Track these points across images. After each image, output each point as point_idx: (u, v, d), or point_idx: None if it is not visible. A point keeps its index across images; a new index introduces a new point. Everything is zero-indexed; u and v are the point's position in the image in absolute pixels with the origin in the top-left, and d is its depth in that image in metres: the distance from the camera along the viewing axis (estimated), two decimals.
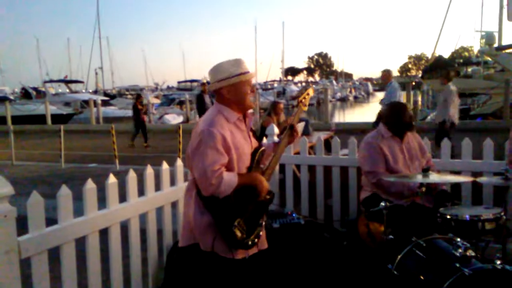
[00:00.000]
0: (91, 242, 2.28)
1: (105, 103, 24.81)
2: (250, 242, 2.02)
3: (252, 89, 2.11)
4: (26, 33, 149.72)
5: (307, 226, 3.25)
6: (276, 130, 4.28)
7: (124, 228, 2.56)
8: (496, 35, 20.10)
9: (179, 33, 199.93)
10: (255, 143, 2.23)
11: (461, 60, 35.30)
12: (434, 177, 2.51)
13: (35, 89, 30.33)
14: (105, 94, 35.25)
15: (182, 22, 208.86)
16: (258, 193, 2.06)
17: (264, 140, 4.29)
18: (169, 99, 28.81)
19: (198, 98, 11.12)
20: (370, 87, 69.42)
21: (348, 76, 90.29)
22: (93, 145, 13.42)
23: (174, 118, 20.98)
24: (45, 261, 2.01)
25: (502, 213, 2.55)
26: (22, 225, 1.94)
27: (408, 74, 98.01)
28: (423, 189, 2.58)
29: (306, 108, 2.45)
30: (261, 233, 2.11)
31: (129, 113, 24.13)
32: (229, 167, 2.01)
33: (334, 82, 63.99)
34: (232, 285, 2.04)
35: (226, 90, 2.07)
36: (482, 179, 3.00)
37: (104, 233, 2.40)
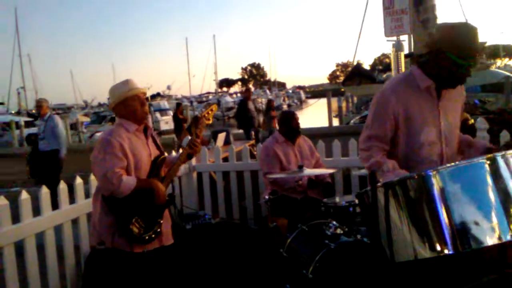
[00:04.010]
0: (6, 253, 2.48)
1: (29, 124, 23.55)
2: (147, 237, 2.36)
3: (143, 103, 2.46)
4: None
5: (218, 226, 3.64)
6: None
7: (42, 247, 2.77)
8: (406, 43, 22.12)
9: (108, 48, 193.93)
10: (155, 152, 2.57)
11: (381, 67, 37.97)
12: (307, 171, 3.03)
13: None
14: (29, 115, 33.31)
15: (111, 37, 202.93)
16: (155, 196, 2.40)
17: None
18: (100, 116, 27.92)
19: (240, 104, 10.42)
20: (303, 95, 72.15)
21: (282, 85, 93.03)
22: (17, 169, 12.82)
23: None
24: None
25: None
26: None
27: (337, 81, 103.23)
28: (300, 182, 3.10)
29: (209, 122, 2.84)
30: (159, 230, 2.44)
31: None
32: (126, 171, 2.34)
33: (267, 91, 65.72)
34: (133, 277, 2.36)
35: (119, 107, 2.44)
36: (356, 172, 3.60)
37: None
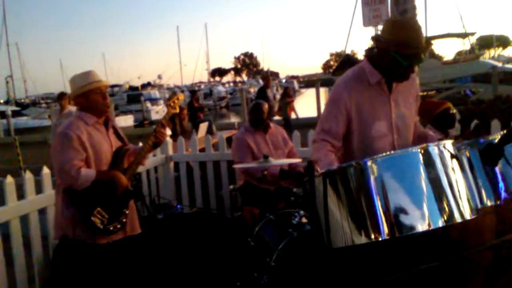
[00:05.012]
0: None
1: (16, 114, 23.33)
2: (111, 228, 2.36)
3: (104, 96, 2.45)
4: None
5: (190, 216, 3.66)
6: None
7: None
8: None
9: (99, 37, 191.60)
10: (117, 143, 2.57)
11: None
12: (273, 161, 3.06)
13: None
14: (17, 104, 32.98)
15: (101, 26, 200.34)
16: (116, 187, 2.40)
17: None
18: None
19: (259, 92, 9.98)
20: (296, 85, 71.91)
21: (275, 75, 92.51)
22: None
23: None
24: None
25: None
26: None
27: (331, 70, 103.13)
28: (265, 172, 3.12)
29: (175, 111, 2.82)
30: (124, 220, 2.45)
31: (45, 122, 22.88)
32: (86, 163, 2.34)
33: (260, 81, 65.39)
34: (99, 268, 2.36)
35: (78, 99, 2.42)
36: None
37: None
